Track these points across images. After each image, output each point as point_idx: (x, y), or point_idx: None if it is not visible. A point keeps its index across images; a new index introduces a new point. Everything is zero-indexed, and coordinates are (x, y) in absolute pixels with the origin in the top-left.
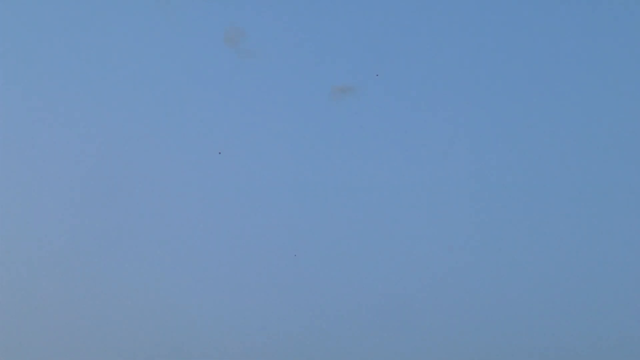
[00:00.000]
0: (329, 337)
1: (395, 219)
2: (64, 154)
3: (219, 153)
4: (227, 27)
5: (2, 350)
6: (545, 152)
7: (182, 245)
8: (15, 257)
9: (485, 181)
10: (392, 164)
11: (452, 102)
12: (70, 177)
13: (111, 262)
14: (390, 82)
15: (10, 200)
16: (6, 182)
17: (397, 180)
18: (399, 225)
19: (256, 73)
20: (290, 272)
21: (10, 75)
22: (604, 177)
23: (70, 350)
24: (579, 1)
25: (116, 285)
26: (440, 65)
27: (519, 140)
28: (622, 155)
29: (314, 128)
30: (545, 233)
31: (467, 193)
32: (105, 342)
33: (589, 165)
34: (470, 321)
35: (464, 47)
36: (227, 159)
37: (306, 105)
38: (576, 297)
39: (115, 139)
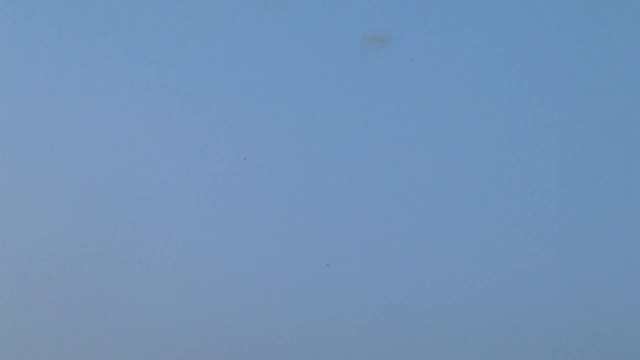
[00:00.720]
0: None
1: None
2: (72, 148)
3: (244, 158)
4: None
5: (2, 350)
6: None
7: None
8: (22, 258)
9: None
10: (433, 130)
11: (499, 55)
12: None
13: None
14: (431, 30)
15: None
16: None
17: (440, 155)
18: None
19: (280, 21)
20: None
21: (13, 74)
22: (605, 177)
23: (71, 350)
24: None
25: (141, 292)
26: (488, 10)
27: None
28: (623, 157)
29: (343, 84)
30: (549, 236)
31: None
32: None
33: (592, 166)
34: (504, 333)
35: None
36: (250, 122)
37: (334, 57)
38: (576, 300)
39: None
